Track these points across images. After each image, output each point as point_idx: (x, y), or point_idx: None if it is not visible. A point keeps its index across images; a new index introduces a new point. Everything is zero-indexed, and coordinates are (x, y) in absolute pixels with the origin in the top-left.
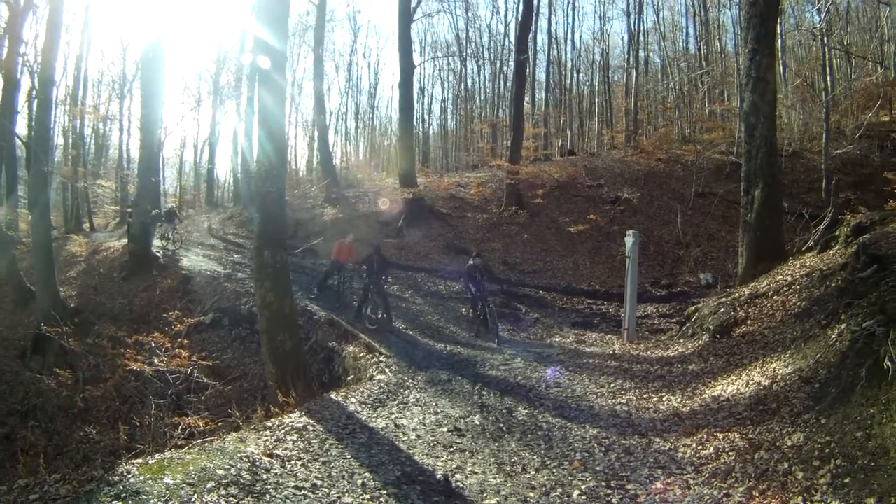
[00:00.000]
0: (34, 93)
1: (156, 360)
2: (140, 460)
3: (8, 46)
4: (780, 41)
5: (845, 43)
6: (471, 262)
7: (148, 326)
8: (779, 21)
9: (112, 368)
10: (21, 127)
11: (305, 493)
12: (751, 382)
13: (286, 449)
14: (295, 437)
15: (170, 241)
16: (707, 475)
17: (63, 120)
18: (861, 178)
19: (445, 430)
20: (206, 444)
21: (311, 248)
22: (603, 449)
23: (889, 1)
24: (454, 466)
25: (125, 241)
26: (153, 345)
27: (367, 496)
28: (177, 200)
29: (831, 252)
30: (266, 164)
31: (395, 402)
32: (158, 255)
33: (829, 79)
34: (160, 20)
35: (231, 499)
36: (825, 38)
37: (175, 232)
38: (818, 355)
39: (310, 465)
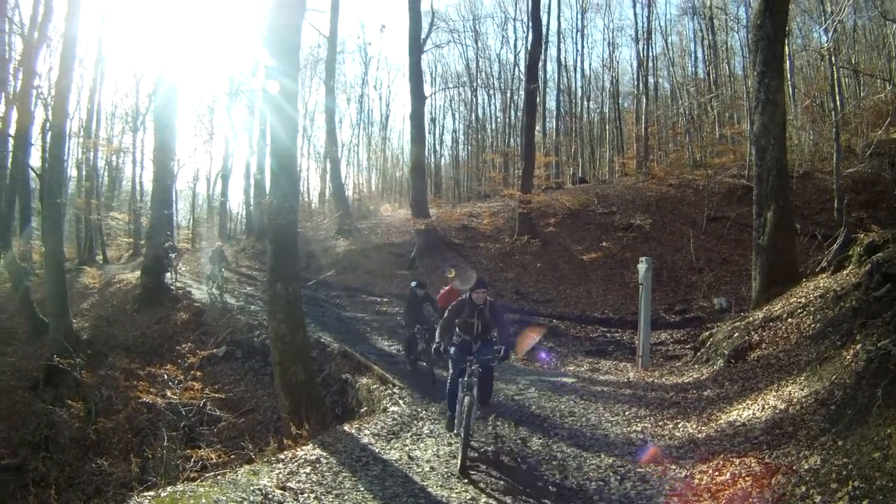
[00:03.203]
0: (48, 125)
1: (168, 393)
2: (152, 493)
3: (22, 79)
4: (788, 62)
5: (853, 61)
6: (465, 297)
7: (161, 358)
8: (786, 42)
9: (124, 400)
10: (35, 159)
11: None
12: (766, 406)
13: (299, 482)
14: (308, 469)
15: (215, 285)
16: (724, 501)
17: (76, 152)
18: (873, 197)
19: (460, 461)
20: (219, 477)
21: (324, 280)
22: (618, 477)
23: None
24: (469, 498)
25: (138, 273)
26: (166, 377)
27: None
28: (190, 233)
29: (845, 272)
30: (278, 197)
31: (409, 434)
32: (206, 300)
33: (838, 98)
34: (173, 53)
35: None
36: (833, 58)
37: (222, 276)
38: (834, 377)
39: (323, 497)
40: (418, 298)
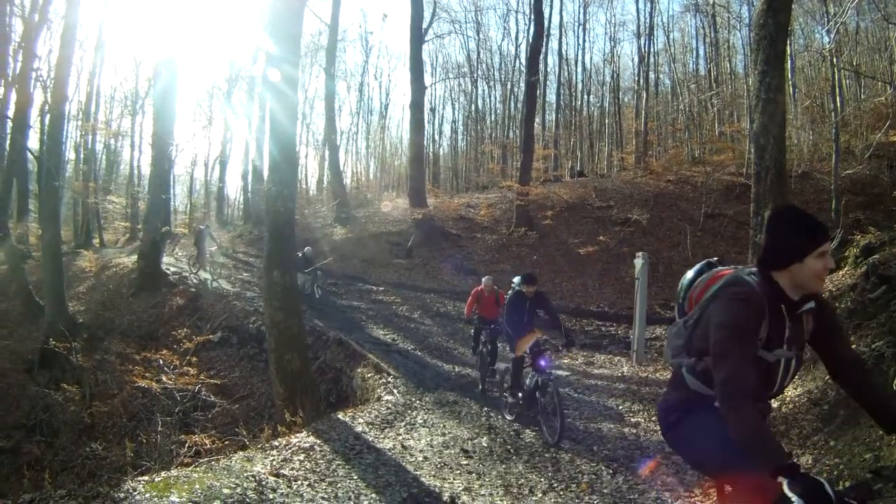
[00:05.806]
0: (47, 107)
1: (163, 378)
2: (146, 478)
3: (22, 61)
4: (789, 62)
5: (854, 63)
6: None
7: (156, 343)
8: (788, 42)
9: (119, 385)
10: (33, 141)
11: None
12: None
13: (293, 469)
14: (302, 456)
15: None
16: (715, 498)
17: (75, 135)
18: (871, 199)
19: (453, 451)
20: (213, 463)
21: (321, 268)
22: (611, 471)
23: None
24: (461, 488)
25: (135, 257)
26: (161, 362)
27: None
28: (187, 218)
29: (840, 273)
30: (277, 184)
31: (403, 423)
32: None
33: (838, 99)
34: (173, 37)
35: None
36: (835, 59)
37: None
38: (827, 377)
39: (316, 485)
40: (524, 300)
